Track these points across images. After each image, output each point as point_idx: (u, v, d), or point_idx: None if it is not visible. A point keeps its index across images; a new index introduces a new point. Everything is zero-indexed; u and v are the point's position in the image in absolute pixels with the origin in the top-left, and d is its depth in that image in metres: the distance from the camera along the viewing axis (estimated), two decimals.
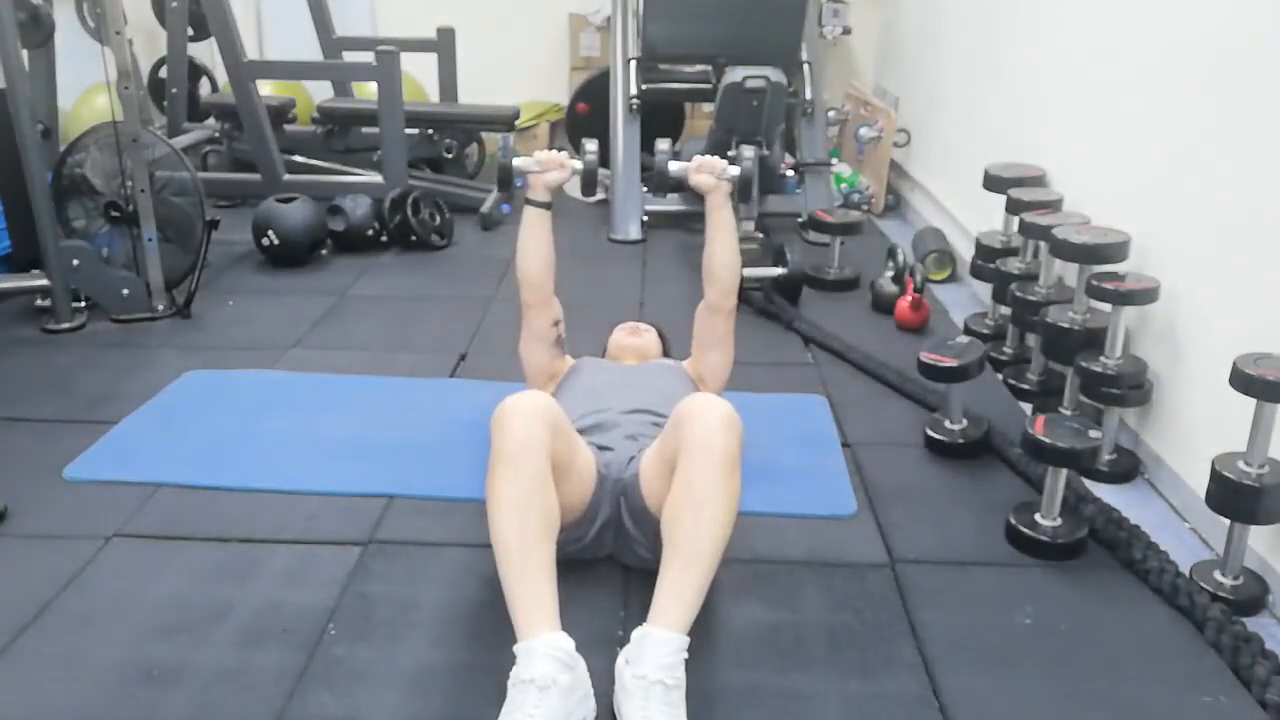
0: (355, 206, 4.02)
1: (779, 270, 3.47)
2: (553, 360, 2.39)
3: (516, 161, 2.34)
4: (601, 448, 1.98)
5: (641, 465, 1.91)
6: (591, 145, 2.43)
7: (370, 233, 4.03)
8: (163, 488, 2.23)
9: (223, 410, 2.62)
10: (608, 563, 1.99)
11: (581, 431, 2.00)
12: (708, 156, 2.41)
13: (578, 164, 2.37)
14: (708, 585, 1.68)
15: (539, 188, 2.32)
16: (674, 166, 2.43)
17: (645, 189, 4.34)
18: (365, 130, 4.76)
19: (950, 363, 2.42)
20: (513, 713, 1.50)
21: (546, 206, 2.33)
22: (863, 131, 4.80)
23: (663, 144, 2.51)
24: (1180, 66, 2.41)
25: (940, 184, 4.36)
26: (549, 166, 2.32)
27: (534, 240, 2.33)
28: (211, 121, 4.85)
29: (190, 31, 4.90)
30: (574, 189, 2.47)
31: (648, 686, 1.54)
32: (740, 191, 2.41)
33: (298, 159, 4.63)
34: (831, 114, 5.05)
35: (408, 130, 4.34)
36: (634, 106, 4.37)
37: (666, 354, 2.56)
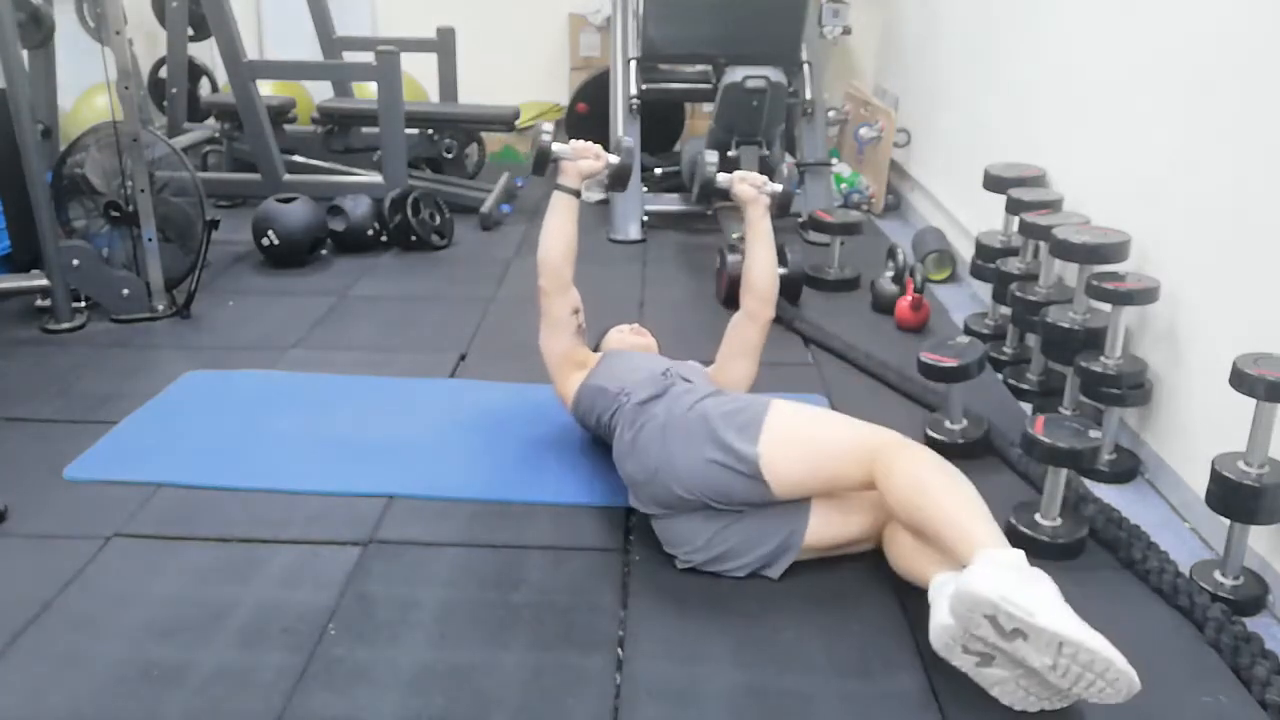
0: (355, 206, 4.02)
1: (779, 270, 3.46)
2: (575, 348, 2.39)
3: (555, 147, 2.38)
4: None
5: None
6: (629, 141, 2.48)
7: (370, 233, 4.03)
8: (163, 488, 2.23)
9: (223, 410, 2.62)
10: (608, 563, 1.99)
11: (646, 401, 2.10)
12: (750, 171, 2.56)
13: (612, 158, 2.42)
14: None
15: (571, 174, 2.37)
16: (721, 178, 2.53)
17: (645, 189, 4.34)
18: (365, 130, 4.76)
19: (950, 363, 2.42)
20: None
21: (575, 194, 2.37)
22: (863, 131, 4.80)
23: (711, 155, 2.62)
24: (1180, 66, 2.41)
25: (940, 184, 4.36)
26: (583, 155, 2.38)
27: (558, 224, 2.36)
28: (211, 121, 4.85)
29: (190, 31, 4.90)
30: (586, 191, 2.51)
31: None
32: (779, 208, 2.50)
33: (298, 159, 4.63)
34: (831, 114, 5.04)
35: (408, 130, 4.34)
36: (634, 106, 4.37)
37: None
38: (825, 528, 1.95)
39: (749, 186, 2.50)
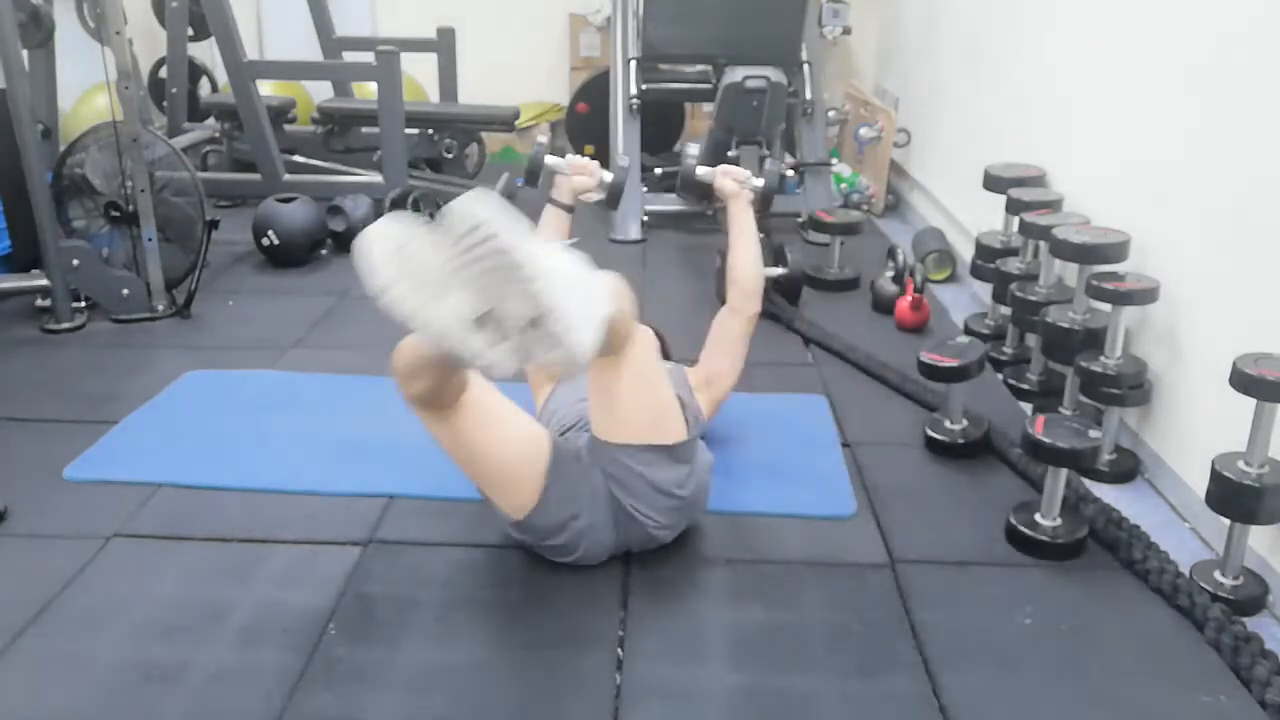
0: (355, 206, 4.02)
1: (779, 270, 3.47)
2: None
3: (549, 160, 2.37)
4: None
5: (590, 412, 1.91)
6: (625, 160, 2.47)
7: None
8: (163, 488, 2.23)
9: (223, 410, 2.62)
10: (608, 563, 1.98)
11: (565, 431, 2.02)
12: (732, 166, 2.52)
13: (607, 175, 2.40)
14: None
15: (565, 190, 2.34)
16: (702, 171, 2.50)
17: (645, 189, 4.35)
18: (365, 130, 4.76)
19: (950, 363, 2.42)
20: None
21: (568, 209, 2.34)
22: (863, 131, 4.80)
23: (692, 148, 2.58)
24: (1180, 66, 2.41)
25: (940, 184, 4.36)
26: (578, 171, 2.35)
27: (549, 238, 2.34)
28: (211, 121, 4.85)
29: (190, 31, 4.90)
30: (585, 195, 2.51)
31: None
32: (761, 203, 2.48)
33: (298, 159, 4.63)
34: (831, 114, 5.04)
35: (408, 130, 4.33)
36: (634, 106, 4.37)
37: (666, 356, 2.56)
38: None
39: (731, 181, 2.47)
